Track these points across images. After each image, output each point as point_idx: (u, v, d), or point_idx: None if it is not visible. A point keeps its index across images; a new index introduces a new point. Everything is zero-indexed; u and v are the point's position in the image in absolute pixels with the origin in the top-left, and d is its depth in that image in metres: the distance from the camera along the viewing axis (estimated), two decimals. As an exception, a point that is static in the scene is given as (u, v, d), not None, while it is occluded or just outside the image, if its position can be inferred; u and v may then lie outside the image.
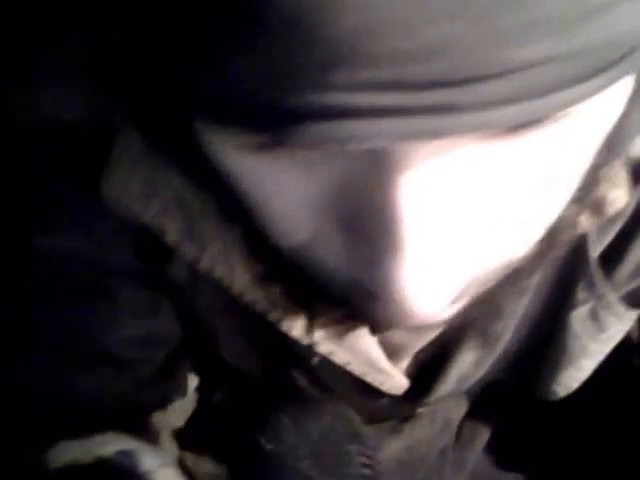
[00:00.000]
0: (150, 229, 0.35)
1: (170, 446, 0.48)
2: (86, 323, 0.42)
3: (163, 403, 0.47)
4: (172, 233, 0.35)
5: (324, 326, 0.38)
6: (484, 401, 0.55)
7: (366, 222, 0.26)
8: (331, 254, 0.29)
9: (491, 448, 0.61)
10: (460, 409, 0.57)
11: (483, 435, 0.61)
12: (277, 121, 0.22)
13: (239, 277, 0.37)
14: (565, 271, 0.41)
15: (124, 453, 0.40)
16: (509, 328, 0.43)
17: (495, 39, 0.20)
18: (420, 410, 0.52)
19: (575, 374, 0.45)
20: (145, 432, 0.45)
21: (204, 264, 0.36)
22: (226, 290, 0.37)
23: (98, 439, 0.42)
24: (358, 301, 0.32)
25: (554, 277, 0.42)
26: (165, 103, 0.31)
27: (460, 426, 0.59)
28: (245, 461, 0.33)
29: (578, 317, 0.43)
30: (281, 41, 0.20)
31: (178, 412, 0.49)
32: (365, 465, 0.33)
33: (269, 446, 0.32)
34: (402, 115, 0.21)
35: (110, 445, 0.41)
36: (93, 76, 0.35)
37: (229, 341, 0.45)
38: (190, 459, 0.49)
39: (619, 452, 0.54)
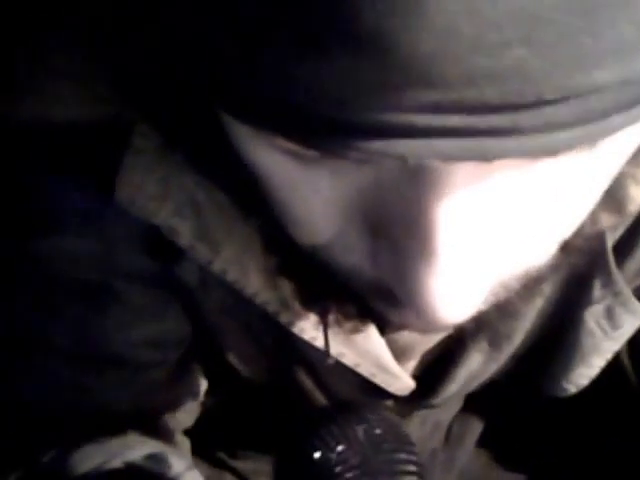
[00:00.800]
0: (162, 230, 0.35)
1: (185, 446, 0.49)
2: (97, 327, 0.42)
3: (176, 405, 0.47)
4: (185, 235, 0.35)
5: (335, 328, 0.38)
6: (475, 401, 0.56)
7: (396, 229, 0.26)
8: (355, 256, 0.29)
9: (480, 448, 0.62)
10: (451, 410, 0.58)
11: (472, 435, 0.62)
12: (332, 133, 0.22)
13: (253, 279, 0.37)
14: (581, 269, 0.41)
15: (152, 457, 0.40)
16: (521, 329, 0.44)
17: (568, 63, 0.20)
18: (420, 412, 0.52)
19: (586, 371, 0.45)
20: (161, 433, 0.45)
21: (217, 266, 0.36)
22: (238, 292, 0.37)
23: (119, 442, 0.42)
24: (377, 302, 0.32)
25: (569, 275, 0.42)
26: (183, 102, 0.31)
27: (449, 426, 0.61)
28: (289, 468, 0.34)
29: (593, 314, 0.43)
30: (356, 57, 0.20)
31: (188, 412, 0.49)
32: (413, 473, 0.33)
33: (317, 454, 0.32)
34: (466, 136, 0.21)
35: (135, 449, 0.41)
36: (108, 76, 0.34)
37: (235, 343, 0.45)
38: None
39: (617, 450, 0.56)
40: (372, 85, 0.20)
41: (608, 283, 0.41)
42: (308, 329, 0.39)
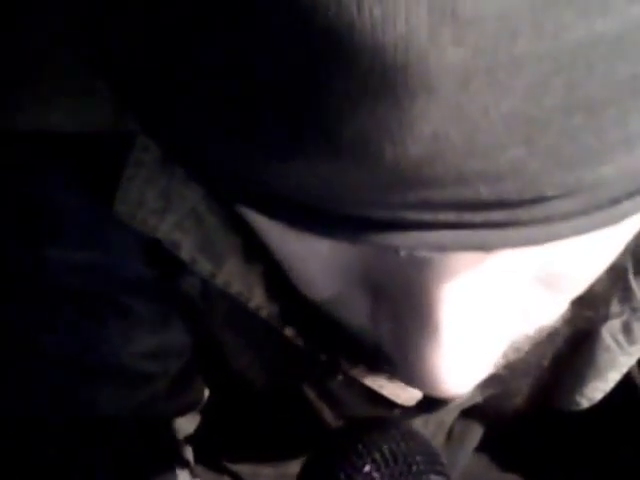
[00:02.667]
0: (164, 244, 0.35)
1: (188, 453, 0.48)
2: (99, 337, 0.41)
3: (177, 414, 0.47)
4: (187, 248, 0.35)
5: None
6: (479, 403, 0.56)
7: (397, 299, 0.25)
8: (357, 316, 0.29)
9: (482, 448, 0.62)
10: (454, 411, 0.58)
11: (474, 435, 0.62)
12: (320, 223, 0.21)
13: (257, 292, 0.36)
14: (599, 285, 0.41)
15: None
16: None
17: (571, 162, 0.19)
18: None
19: (601, 386, 0.45)
20: (163, 440, 0.44)
21: (220, 279, 0.36)
22: (242, 304, 0.37)
23: None
24: (381, 361, 0.31)
25: (586, 294, 0.42)
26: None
27: (451, 426, 0.60)
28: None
29: (610, 330, 0.42)
30: (340, 161, 0.19)
31: (190, 419, 0.48)
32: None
33: (342, 475, 0.31)
34: (461, 228, 0.20)
35: None
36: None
37: (238, 353, 0.44)
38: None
39: (622, 459, 0.56)
40: (358, 185, 0.19)
41: (626, 298, 0.41)
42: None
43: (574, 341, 0.42)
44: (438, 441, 0.59)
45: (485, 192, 0.19)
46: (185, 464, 0.45)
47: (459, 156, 0.18)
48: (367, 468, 0.32)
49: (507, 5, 0.16)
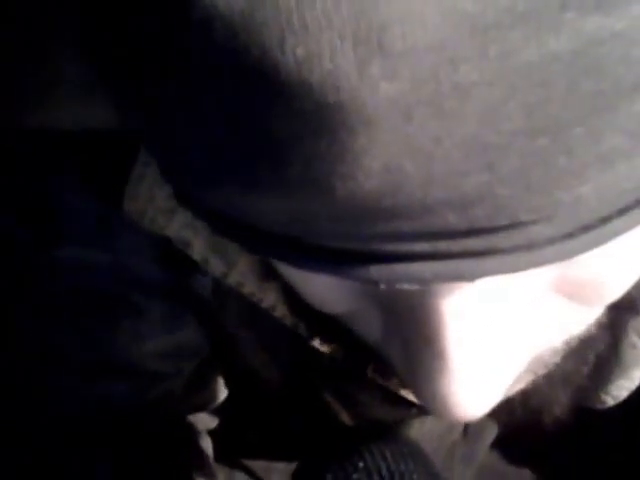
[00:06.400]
0: (175, 243, 0.35)
1: (208, 447, 0.48)
2: (113, 338, 0.41)
3: (194, 411, 0.47)
4: (198, 248, 0.35)
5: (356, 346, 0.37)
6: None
7: (404, 322, 0.25)
8: (371, 332, 0.28)
9: (499, 443, 0.61)
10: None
11: (491, 430, 0.61)
12: (301, 255, 0.21)
13: (270, 291, 0.36)
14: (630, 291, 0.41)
15: None
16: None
17: (542, 185, 0.18)
18: None
19: (626, 384, 0.43)
20: (184, 432, 0.44)
21: (233, 279, 0.36)
22: (255, 304, 0.36)
23: None
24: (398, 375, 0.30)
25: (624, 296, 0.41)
26: None
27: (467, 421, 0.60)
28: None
29: (636, 328, 0.41)
30: (296, 198, 0.19)
31: (211, 414, 0.48)
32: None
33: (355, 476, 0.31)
34: (439, 259, 0.19)
35: None
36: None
37: (252, 353, 0.44)
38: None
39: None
40: (321, 219, 0.19)
41: None
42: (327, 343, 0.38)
43: (601, 329, 0.42)
44: (455, 435, 0.59)
45: (454, 220, 0.18)
46: (205, 457, 0.45)
47: (419, 186, 0.17)
48: (385, 473, 0.31)
49: (441, 34, 0.15)
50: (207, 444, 0.49)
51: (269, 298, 0.36)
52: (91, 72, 0.25)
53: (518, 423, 0.48)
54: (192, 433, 0.47)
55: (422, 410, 0.46)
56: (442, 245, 0.19)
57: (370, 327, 0.28)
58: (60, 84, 0.35)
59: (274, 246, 0.21)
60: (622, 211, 0.20)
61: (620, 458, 0.56)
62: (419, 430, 0.55)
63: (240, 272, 0.35)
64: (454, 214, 0.18)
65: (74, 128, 0.34)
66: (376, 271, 0.20)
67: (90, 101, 0.33)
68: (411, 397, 0.43)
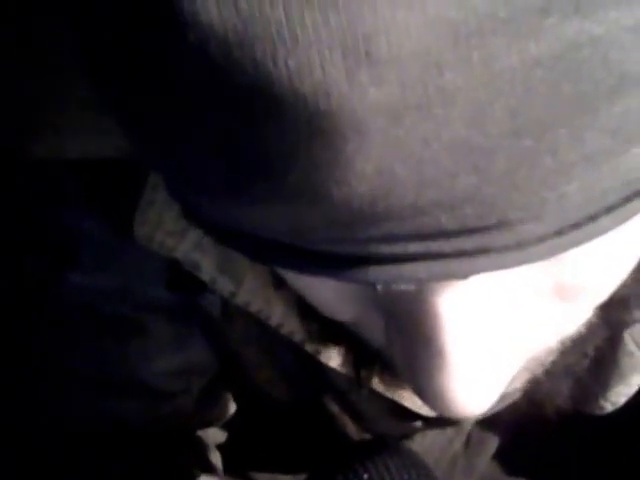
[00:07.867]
0: (184, 264, 0.35)
1: (217, 461, 0.49)
2: (121, 358, 0.42)
3: (204, 427, 0.48)
4: (207, 268, 0.35)
5: (362, 356, 0.38)
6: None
7: (403, 323, 0.25)
8: (377, 337, 0.29)
9: (500, 454, 0.62)
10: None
11: (492, 442, 0.62)
12: (300, 260, 0.21)
13: (277, 309, 0.37)
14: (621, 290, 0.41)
15: None
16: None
17: (529, 185, 0.19)
18: None
19: (624, 390, 0.44)
20: (195, 447, 0.45)
21: (240, 299, 0.36)
22: (263, 321, 0.37)
23: None
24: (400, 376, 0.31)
25: (608, 300, 0.42)
26: None
27: (469, 433, 0.60)
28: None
29: (633, 335, 0.42)
30: (291, 205, 0.19)
31: (220, 429, 0.49)
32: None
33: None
34: (432, 259, 0.20)
35: None
36: None
37: (258, 368, 0.45)
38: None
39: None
40: (318, 225, 0.20)
41: None
42: (335, 357, 0.39)
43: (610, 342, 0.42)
44: (457, 446, 0.60)
45: (446, 221, 0.19)
46: (215, 472, 0.46)
47: (410, 188, 0.18)
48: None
49: (425, 42, 0.16)
50: (217, 458, 0.49)
51: (276, 316, 0.37)
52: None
53: (522, 419, 0.49)
54: (202, 448, 0.48)
55: (427, 423, 0.47)
56: (435, 245, 0.20)
57: (374, 332, 0.28)
58: (70, 113, 0.35)
59: (275, 254, 0.22)
60: (609, 209, 0.20)
61: (620, 459, 0.56)
62: (421, 442, 0.55)
63: (248, 290, 0.36)
64: (445, 215, 0.19)
65: (83, 155, 0.35)
66: (372, 273, 0.21)
67: (98, 129, 0.34)
68: (416, 409, 0.44)
